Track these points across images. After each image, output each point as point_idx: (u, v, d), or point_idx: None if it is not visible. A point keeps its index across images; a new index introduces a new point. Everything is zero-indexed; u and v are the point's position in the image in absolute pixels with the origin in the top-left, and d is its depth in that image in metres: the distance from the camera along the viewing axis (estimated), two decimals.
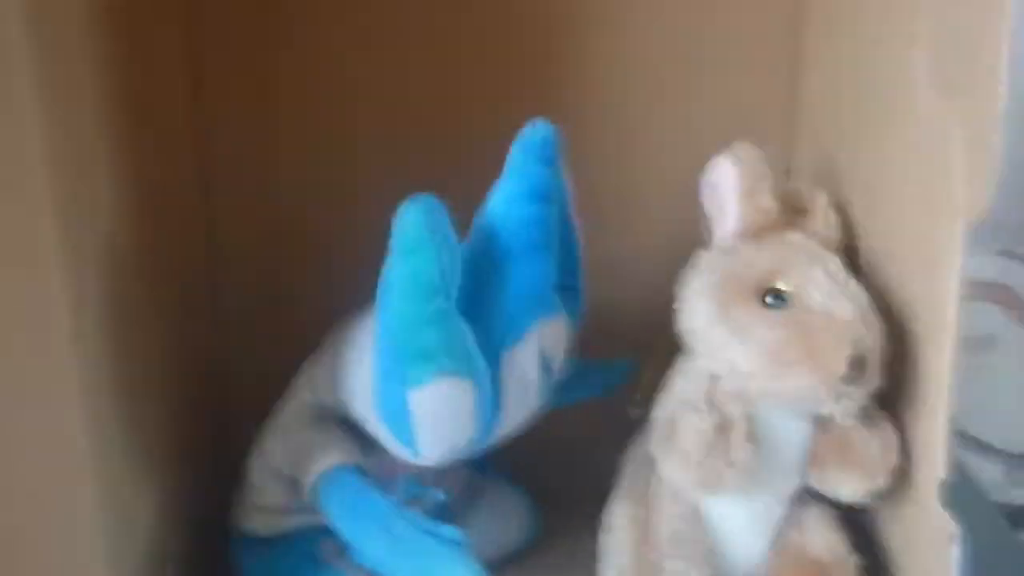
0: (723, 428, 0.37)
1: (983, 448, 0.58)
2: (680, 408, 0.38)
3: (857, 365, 0.36)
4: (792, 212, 0.42)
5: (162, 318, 0.41)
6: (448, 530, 0.35)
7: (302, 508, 0.41)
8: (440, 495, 0.42)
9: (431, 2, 0.48)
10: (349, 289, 0.40)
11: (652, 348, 0.45)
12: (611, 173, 0.50)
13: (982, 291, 0.77)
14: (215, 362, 0.49)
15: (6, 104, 0.28)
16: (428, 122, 0.48)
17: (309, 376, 0.41)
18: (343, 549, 0.39)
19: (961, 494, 0.38)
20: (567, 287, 0.39)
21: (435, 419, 0.34)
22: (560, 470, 0.51)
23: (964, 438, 0.58)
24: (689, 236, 0.43)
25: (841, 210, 0.43)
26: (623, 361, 0.48)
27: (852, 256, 0.43)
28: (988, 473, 0.56)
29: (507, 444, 0.40)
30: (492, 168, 0.38)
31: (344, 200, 0.48)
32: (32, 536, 0.31)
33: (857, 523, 0.43)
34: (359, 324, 0.39)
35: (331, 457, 0.38)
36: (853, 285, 0.38)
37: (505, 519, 0.47)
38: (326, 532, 0.40)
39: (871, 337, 0.37)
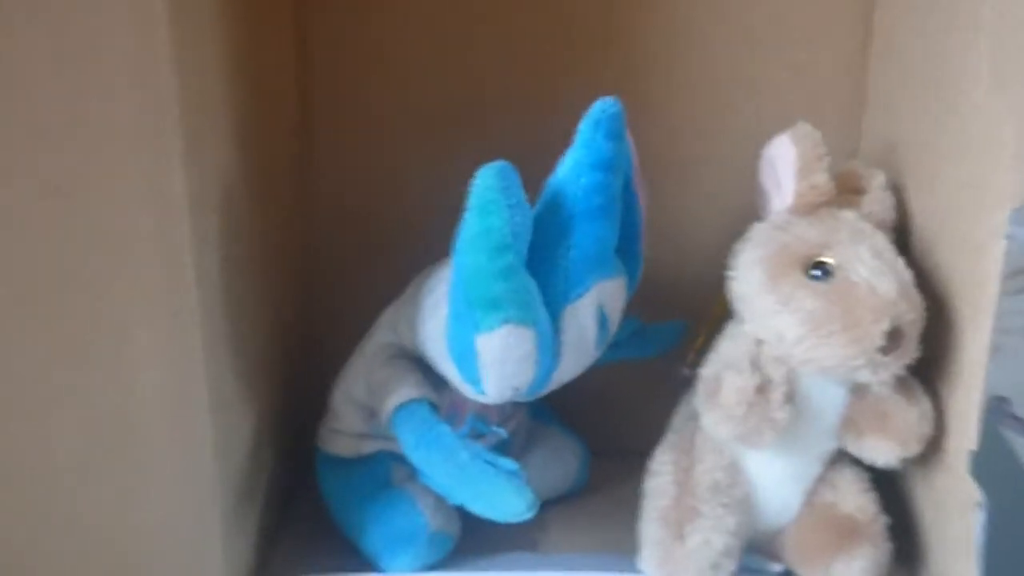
0: (764, 389, 0.40)
1: None
2: (725, 368, 0.41)
3: (894, 338, 0.39)
4: (851, 191, 0.44)
5: (265, 252, 0.46)
6: (506, 462, 0.40)
7: (377, 435, 0.46)
8: (502, 432, 0.46)
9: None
10: (434, 238, 0.44)
11: (706, 313, 0.48)
12: (677, 147, 0.52)
13: None
14: (308, 299, 0.54)
15: (150, 66, 0.33)
16: (508, 95, 0.52)
17: (391, 318, 0.46)
18: (413, 473, 0.44)
19: (993, 466, 0.40)
20: (627, 251, 0.43)
21: (499, 362, 0.38)
22: (614, 423, 0.55)
23: (1009, 417, 0.59)
24: (746, 210, 0.46)
25: (898, 192, 0.45)
26: (677, 323, 0.51)
27: (904, 237, 0.45)
28: None
29: (566, 395, 0.43)
30: (565, 139, 0.41)
31: (432, 159, 0.52)
32: (155, 431, 0.37)
33: (888, 485, 0.45)
34: (437, 274, 0.43)
35: (407, 391, 0.42)
36: (898, 262, 0.40)
37: (557, 463, 0.51)
38: (398, 457, 0.45)
39: (910, 312, 0.39)
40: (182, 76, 0.34)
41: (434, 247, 0.44)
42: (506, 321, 0.37)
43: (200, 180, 0.36)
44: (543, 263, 0.39)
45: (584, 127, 0.38)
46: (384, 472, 0.45)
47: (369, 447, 0.46)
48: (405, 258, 0.46)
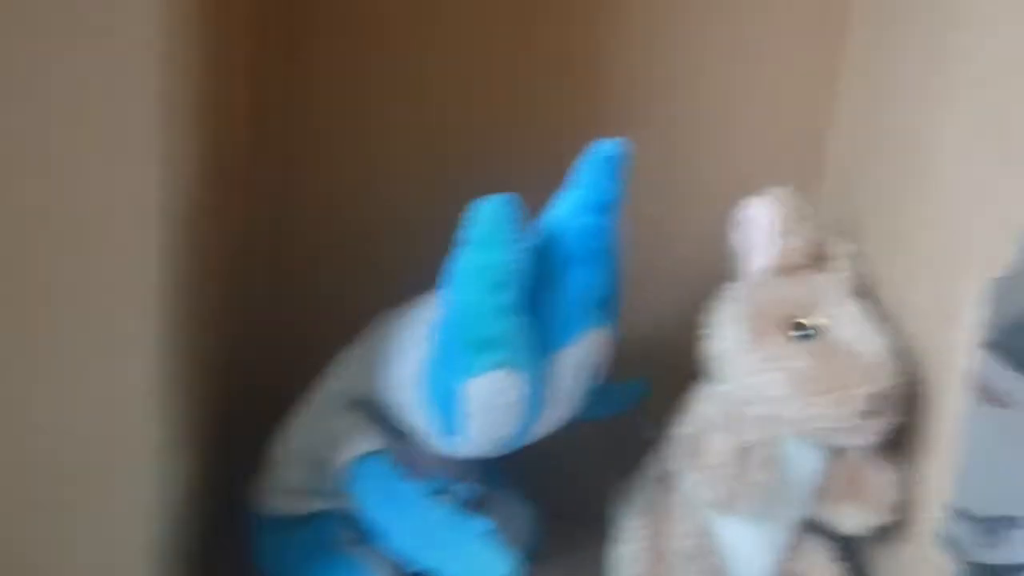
0: (743, 451, 0.39)
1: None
2: (707, 428, 0.39)
3: (876, 402, 0.38)
4: (815, 259, 0.44)
5: (218, 286, 0.42)
6: (481, 521, 0.36)
7: (323, 492, 0.41)
8: (465, 489, 0.42)
9: (496, 38, 0.50)
10: (389, 287, 0.41)
11: (670, 371, 0.47)
12: (638, 206, 0.51)
13: None
14: (245, 346, 0.50)
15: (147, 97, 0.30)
16: (469, 148, 0.50)
17: (345, 366, 0.42)
18: (361, 537, 0.40)
19: (953, 538, 0.40)
20: (607, 297, 0.41)
21: (486, 409, 0.35)
22: (562, 486, 0.52)
23: None
24: (707, 269, 0.45)
25: (862, 260, 0.46)
26: (637, 382, 0.49)
27: (869, 304, 0.45)
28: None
29: (515, 458, 0.41)
30: (543, 178, 0.39)
31: (398, 197, 0.49)
32: (97, 464, 0.33)
33: (853, 556, 0.45)
34: (402, 317, 0.40)
35: (366, 443, 0.38)
36: (877, 326, 0.41)
37: (509, 529, 0.47)
38: (345, 519, 0.40)
39: (891, 376, 0.39)
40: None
41: (385, 297, 0.41)
42: (500, 365, 0.34)
43: (170, 191, 0.32)
44: (534, 305, 0.36)
45: (588, 166, 0.36)
46: (328, 535, 0.41)
47: (312, 506, 0.41)
48: (353, 308, 0.43)
